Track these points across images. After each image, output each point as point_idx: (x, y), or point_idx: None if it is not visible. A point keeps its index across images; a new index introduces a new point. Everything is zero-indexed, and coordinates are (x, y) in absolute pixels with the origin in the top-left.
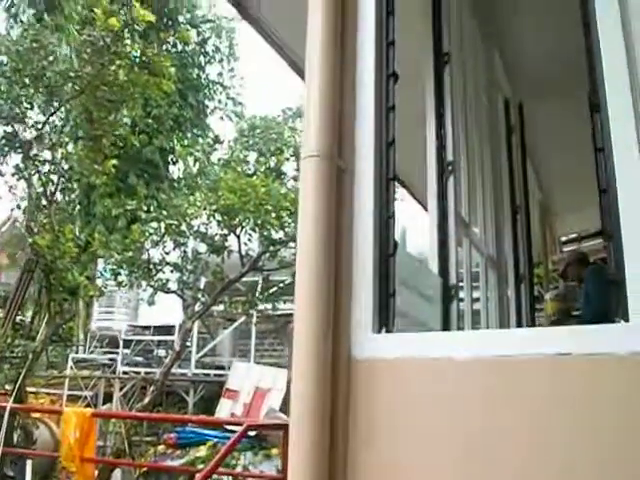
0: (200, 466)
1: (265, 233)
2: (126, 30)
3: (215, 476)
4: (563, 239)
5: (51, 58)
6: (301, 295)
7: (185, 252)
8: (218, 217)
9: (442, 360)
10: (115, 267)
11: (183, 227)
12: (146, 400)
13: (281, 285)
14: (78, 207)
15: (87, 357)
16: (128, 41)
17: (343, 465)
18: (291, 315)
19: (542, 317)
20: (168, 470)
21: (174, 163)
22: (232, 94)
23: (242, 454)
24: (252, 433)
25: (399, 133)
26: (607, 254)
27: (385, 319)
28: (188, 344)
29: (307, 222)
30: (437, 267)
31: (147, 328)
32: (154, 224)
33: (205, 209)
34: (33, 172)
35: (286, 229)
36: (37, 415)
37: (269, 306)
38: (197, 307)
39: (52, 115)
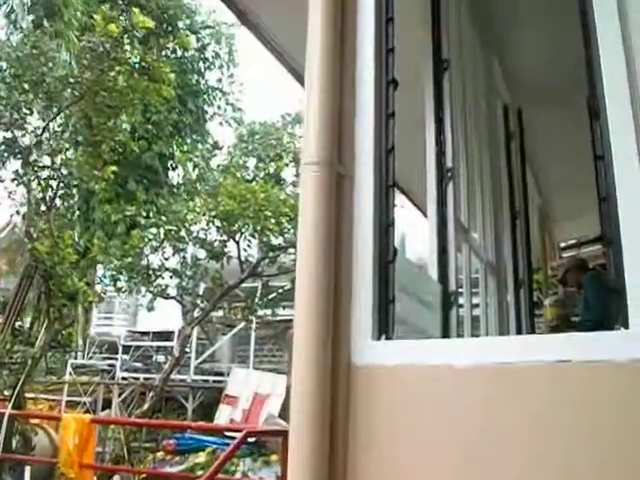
0: (199, 472)
1: (264, 239)
2: (126, 36)
3: None
4: (562, 245)
5: (51, 64)
6: (301, 301)
7: (184, 258)
8: (217, 223)
9: (442, 367)
10: (114, 273)
11: (182, 233)
12: (145, 406)
13: (280, 291)
14: (77, 213)
15: (86, 363)
16: (128, 47)
17: (343, 471)
18: (290, 321)
19: (541, 323)
20: (167, 477)
21: (173, 169)
22: (231, 100)
23: (241, 460)
24: (251, 439)
25: (398, 139)
26: (606, 261)
27: (385, 326)
28: (187, 350)
29: (307, 229)
30: (436, 273)
31: (146, 334)
32: (153, 230)
33: (204, 215)
34: (32, 178)
35: (285, 235)
36: (36, 421)
37: (268, 312)
38: (196, 313)
39: (51, 121)
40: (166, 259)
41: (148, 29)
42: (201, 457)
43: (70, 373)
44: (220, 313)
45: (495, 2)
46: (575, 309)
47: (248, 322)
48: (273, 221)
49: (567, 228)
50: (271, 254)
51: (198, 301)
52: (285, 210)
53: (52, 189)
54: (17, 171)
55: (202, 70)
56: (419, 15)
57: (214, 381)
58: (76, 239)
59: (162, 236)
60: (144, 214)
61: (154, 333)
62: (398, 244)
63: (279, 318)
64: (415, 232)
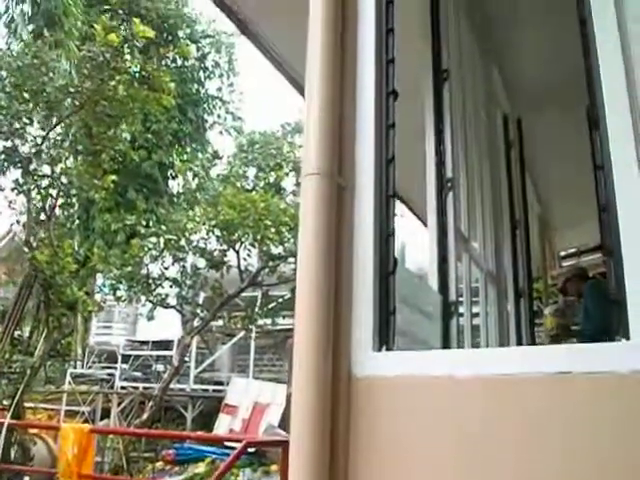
0: None
1: (264, 248)
2: (126, 45)
3: None
4: (562, 254)
5: (51, 74)
6: (301, 311)
7: (184, 267)
8: (217, 232)
9: (442, 378)
10: (114, 282)
11: (182, 242)
12: (144, 416)
13: (280, 300)
14: (77, 222)
15: (85, 372)
16: (128, 56)
17: None
18: (290, 330)
19: (541, 332)
20: None
21: (173, 178)
22: (231, 109)
23: (241, 471)
24: (251, 449)
25: (398, 149)
26: (607, 270)
27: (385, 337)
28: (187, 359)
29: (307, 239)
30: (437, 283)
31: (145, 343)
32: (153, 239)
33: (204, 224)
34: (32, 187)
35: (285, 244)
36: (35, 431)
37: (268, 321)
38: (196, 322)
39: (52, 130)
40: (166, 268)
41: (148, 38)
42: (200, 467)
43: (69, 382)
44: (220, 322)
45: (494, 11)
46: (575, 318)
47: (248, 331)
48: (273, 230)
49: (567, 237)
50: (271, 263)
51: (198, 310)
52: (285, 219)
53: (52, 198)
54: (17, 180)
55: (202, 79)
56: (419, 26)
57: (214, 390)
58: (76, 248)
59: (162, 245)
60: (144, 223)
61: (153, 342)
62: (398, 254)
63: (279, 327)
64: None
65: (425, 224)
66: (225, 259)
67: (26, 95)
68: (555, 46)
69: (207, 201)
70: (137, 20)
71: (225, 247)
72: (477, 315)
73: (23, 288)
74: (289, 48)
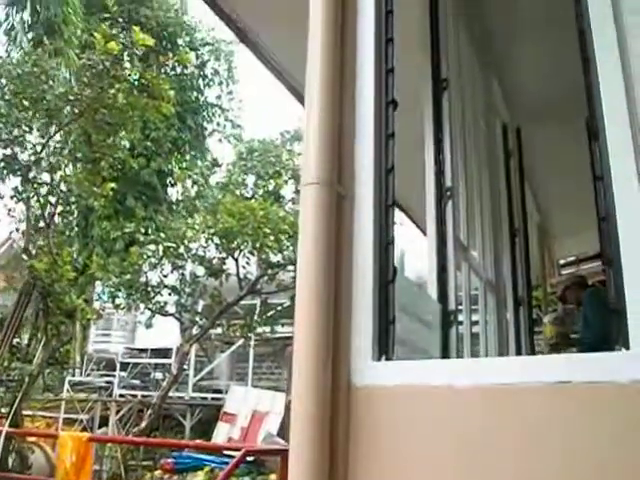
0: None
1: (263, 256)
2: (125, 53)
3: None
4: (561, 262)
5: (51, 82)
6: (301, 320)
7: (183, 275)
8: (216, 240)
9: (442, 388)
10: (113, 290)
11: (181, 250)
12: (143, 424)
13: (279, 308)
14: (76, 229)
15: (84, 380)
16: (127, 64)
17: None
18: (289, 338)
19: (541, 340)
20: None
21: (172, 186)
22: (231, 117)
23: (240, 479)
24: (250, 458)
25: (398, 158)
26: (606, 280)
27: (385, 346)
28: (185, 367)
29: (307, 248)
30: (436, 292)
31: (144, 351)
32: (152, 247)
33: (203, 232)
34: (32, 194)
35: (284, 252)
36: (33, 439)
37: (267, 329)
38: (195, 330)
39: (51, 138)
40: (165, 276)
41: (148, 46)
42: (199, 476)
43: (67, 390)
44: (219, 330)
45: (493, 25)
46: (574, 326)
47: (247, 339)
48: (272, 238)
49: (566, 245)
50: (270, 271)
51: (197, 318)
52: (284, 227)
53: (51, 206)
54: (16, 188)
55: (201, 87)
56: (418, 37)
57: (212, 399)
58: (75, 256)
59: (161, 253)
60: (143, 231)
61: (152, 350)
62: (397, 262)
63: (278, 335)
64: (414, 250)
65: (424, 233)
66: (224, 267)
67: (26, 103)
68: (555, 57)
69: (206, 209)
70: (137, 28)
71: (224, 255)
72: (476, 323)
73: (22, 296)
74: (288, 56)
